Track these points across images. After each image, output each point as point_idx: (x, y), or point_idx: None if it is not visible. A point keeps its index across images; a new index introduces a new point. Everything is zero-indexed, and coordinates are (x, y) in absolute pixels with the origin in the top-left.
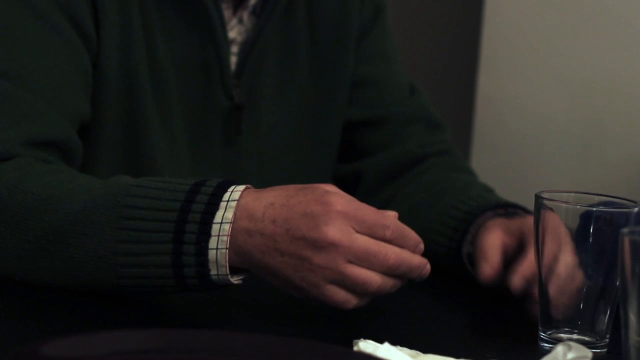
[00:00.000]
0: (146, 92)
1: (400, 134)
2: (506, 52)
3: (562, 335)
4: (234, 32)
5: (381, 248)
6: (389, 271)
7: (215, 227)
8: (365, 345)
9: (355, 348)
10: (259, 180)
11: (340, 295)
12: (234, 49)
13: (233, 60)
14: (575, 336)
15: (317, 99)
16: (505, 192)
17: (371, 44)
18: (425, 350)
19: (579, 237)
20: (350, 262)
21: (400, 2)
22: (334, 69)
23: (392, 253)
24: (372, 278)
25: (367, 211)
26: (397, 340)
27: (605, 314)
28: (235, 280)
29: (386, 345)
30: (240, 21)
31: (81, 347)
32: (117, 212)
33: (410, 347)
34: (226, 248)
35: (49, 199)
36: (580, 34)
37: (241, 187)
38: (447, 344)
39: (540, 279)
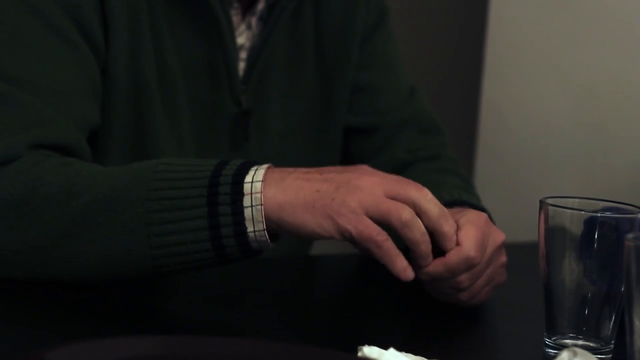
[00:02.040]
0: (154, 97)
1: (391, 141)
2: (510, 58)
3: (567, 341)
4: (243, 37)
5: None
6: (420, 201)
7: (247, 186)
8: (370, 351)
9: (359, 354)
10: None
11: (374, 227)
12: (242, 54)
13: (241, 65)
14: (580, 342)
15: (322, 104)
16: (510, 197)
17: (373, 50)
18: (430, 355)
19: (584, 243)
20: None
21: (404, 7)
22: (338, 75)
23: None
24: (405, 207)
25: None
26: (402, 346)
27: (610, 319)
28: (271, 242)
29: (391, 350)
30: (249, 27)
31: (86, 354)
32: (147, 186)
33: (415, 354)
34: (261, 204)
35: (73, 187)
36: (585, 40)
37: (266, 164)
38: (452, 350)
39: (545, 284)
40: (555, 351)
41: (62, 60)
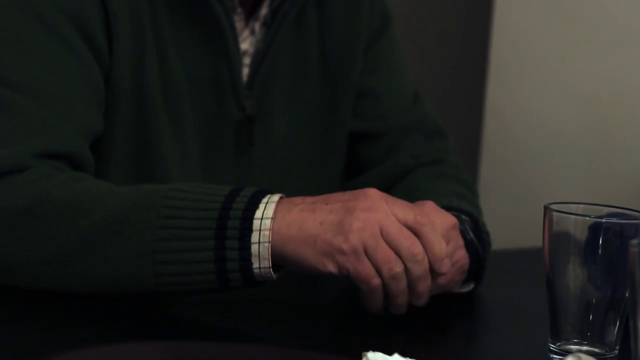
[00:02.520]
0: (158, 103)
1: (396, 146)
2: (515, 63)
3: (572, 346)
4: (246, 43)
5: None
6: (412, 258)
7: (256, 223)
8: (375, 357)
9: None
10: None
11: (372, 270)
12: (246, 60)
13: (245, 71)
14: (584, 347)
15: (326, 109)
16: (514, 203)
17: (377, 55)
18: None
19: (588, 249)
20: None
21: (408, 13)
22: (342, 80)
23: (421, 247)
24: (398, 260)
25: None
26: (406, 352)
27: (615, 325)
28: (275, 275)
29: (396, 356)
30: (252, 32)
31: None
32: (157, 212)
33: (420, 359)
34: (268, 242)
35: (82, 204)
36: (589, 45)
37: (278, 195)
38: (457, 356)
39: (549, 290)
40: (560, 357)
41: (65, 67)
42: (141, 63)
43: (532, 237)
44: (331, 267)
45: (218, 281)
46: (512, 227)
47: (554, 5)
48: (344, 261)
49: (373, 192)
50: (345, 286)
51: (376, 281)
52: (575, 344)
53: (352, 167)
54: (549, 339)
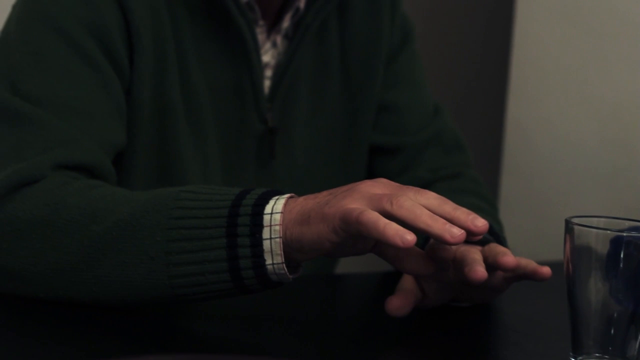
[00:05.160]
0: (179, 116)
1: (415, 160)
2: (536, 76)
3: None
4: (268, 55)
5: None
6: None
7: (266, 218)
8: None
9: None
10: None
11: (358, 207)
12: (268, 72)
13: (266, 83)
14: None
15: (347, 122)
16: (535, 217)
17: (398, 69)
18: None
19: (610, 263)
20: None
21: (429, 26)
22: (363, 93)
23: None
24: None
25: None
26: None
27: (637, 339)
28: (290, 275)
29: None
30: (274, 45)
31: None
32: (168, 214)
33: None
34: (280, 237)
35: (96, 211)
36: (610, 58)
37: (288, 194)
38: None
39: (571, 303)
40: None
41: (86, 81)
42: (163, 76)
43: (553, 250)
44: (327, 232)
45: (232, 280)
46: (533, 240)
47: (574, 19)
48: (331, 217)
49: (383, 179)
50: (364, 299)
51: (359, 210)
52: (597, 357)
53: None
54: (571, 353)
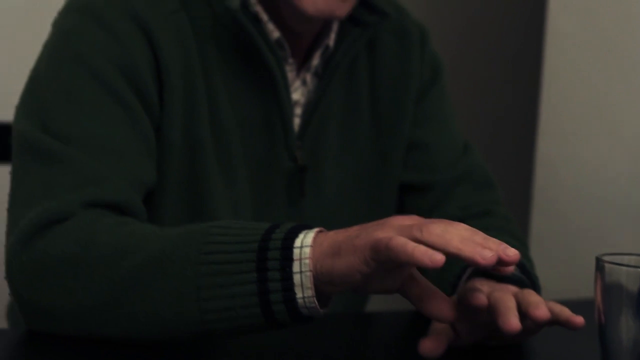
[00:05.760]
0: (209, 153)
1: (445, 198)
2: (565, 112)
3: None
4: (297, 93)
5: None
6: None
7: (296, 252)
8: None
9: None
10: None
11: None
12: (297, 110)
13: (296, 121)
14: None
15: (376, 160)
16: (566, 254)
17: (428, 107)
18: None
19: None
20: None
21: (459, 63)
22: (393, 131)
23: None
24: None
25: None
26: None
27: None
28: (321, 309)
29: None
30: (304, 83)
31: None
32: (198, 249)
33: None
34: (310, 270)
35: (125, 248)
36: None
37: (316, 228)
38: None
39: (602, 341)
40: None
41: (116, 119)
42: (192, 114)
43: (584, 288)
44: (357, 262)
45: (263, 314)
46: (564, 278)
47: (604, 53)
48: (362, 247)
49: (414, 216)
50: (394, 337)
51: (390, 236)
52: None
53: None
54: None
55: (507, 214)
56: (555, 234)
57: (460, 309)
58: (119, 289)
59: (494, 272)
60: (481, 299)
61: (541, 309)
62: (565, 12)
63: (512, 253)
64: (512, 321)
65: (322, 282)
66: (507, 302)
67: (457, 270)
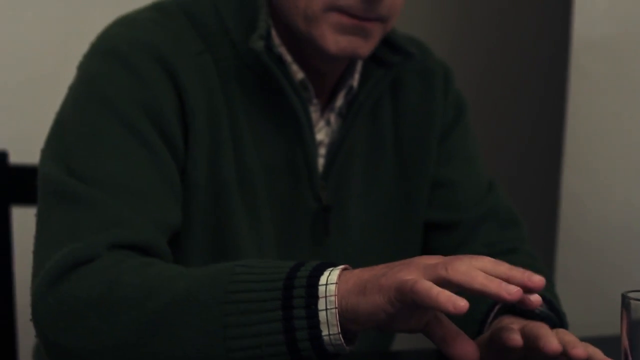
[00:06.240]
0: (234, 194)
1: (470, 236)
2: (590, 147)
3: None
4: (322, 133)
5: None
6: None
7: (321, 289)
8: None
9: None
10: None
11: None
12: (322, 150)
13: (320, 162)
14: None
15: (400, 198)
16: (592, 291)
17: (452, 145)
18: None
19: None
20: None
21: (481, 98)
22: (417, 170)
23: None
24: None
25: None
26: None
27: None
28: (347, 346)
29: None
30: (328, 123)
31: None
32: (223, 288)
33: None
34: (335, 307)
35: (150, 288)
36: None
37: (341, 266)
38: None
39: None
40: None
41: (141, 162)
42: (217, 156)
43: (610, 325)
44: (382, 302)
45: (289, 352)
46: (590, 315)
47: (628, 87)
48: (387, 287)
49: (428, 256)
50: None
51: (414, 279)
52: None
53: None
54: None
55: (532, 252)
56: (581, 270)
57: (492, 348)
58: (144, 329)
59: (522, 307)
60: (517, 340)
61: (579, 348)
62: (588, 49)
63: (537, 279)
64: (554, 343)
65: (347, 319)
66: (544, 328)
67: (485, 307)
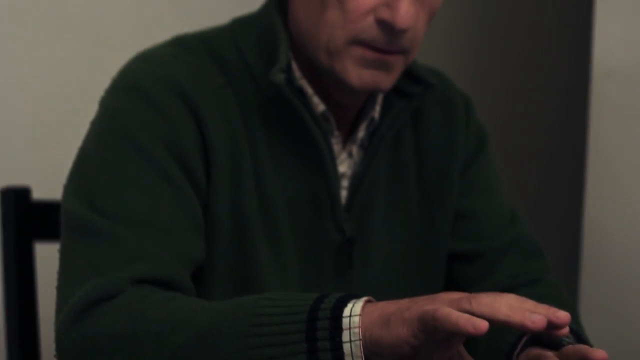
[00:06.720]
0: (257, 227)
1: (494, 267)
2: (613, 174)
3: None
4: (344, 165)
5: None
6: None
7: (345, 321)
8: None
9: None
10: None
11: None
12: (344, 182)
13: (343, 193)
14: None
15: (424, 230)
16: (617, 321)
17: (474, 176)
18: None
19: None
20: None
21: (503, 127)
22: (440, 201)
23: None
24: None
25: None
26: None
27: None
28: None
29: None
30: (350, 155)
31: None
32: (247, 321)
33: None
34: (359, 339)
35: (174, 323)
36: None
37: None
38: None
39: None
40: None
41: (163, 197)
42: (239, 189)
43: (635, 355)
44: (406, 335)
45: None
46: (616, 346)
47: None
48: (411, 320)
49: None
50: None
51: (435, 308)
52: None
53: (450, 288)
54: None
55: (556, 282)
56: (605, 300)
57: None
58: None
59: (549, 337)
60: None
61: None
62: (608, 77)
63: (562, 315)
64: (600, 352)
65: (371, 351)
66: (584, 347)
67: (512, 339)
